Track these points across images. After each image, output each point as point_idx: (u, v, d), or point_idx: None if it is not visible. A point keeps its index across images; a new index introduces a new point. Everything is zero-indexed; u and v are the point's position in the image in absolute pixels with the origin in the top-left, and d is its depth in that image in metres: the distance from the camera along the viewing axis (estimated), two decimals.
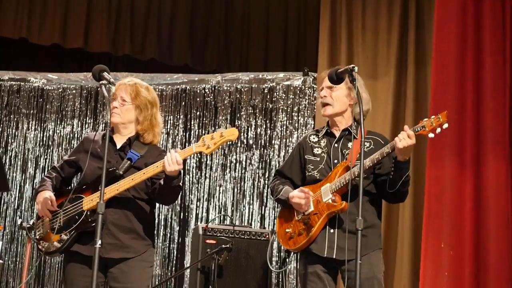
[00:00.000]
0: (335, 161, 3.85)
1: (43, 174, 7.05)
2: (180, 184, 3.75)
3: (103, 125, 7.04)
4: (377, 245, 3.79)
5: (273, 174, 4.25)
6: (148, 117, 3.89)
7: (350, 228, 3.66)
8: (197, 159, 7.05)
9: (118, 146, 3.86)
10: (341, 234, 3.70)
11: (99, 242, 3.22)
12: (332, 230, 3.73)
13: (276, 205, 6.81)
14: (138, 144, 3.87)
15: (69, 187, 4.03)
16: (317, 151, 3.93)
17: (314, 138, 4.00)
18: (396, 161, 3.62)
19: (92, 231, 3.42)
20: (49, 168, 4.16)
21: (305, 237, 3.76)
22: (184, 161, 3.76)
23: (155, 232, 6.80)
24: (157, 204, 4.08)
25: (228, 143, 6.89)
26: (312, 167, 3.90)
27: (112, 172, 3.70)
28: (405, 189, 3.75)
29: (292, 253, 3.97)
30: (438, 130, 3.54)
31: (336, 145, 3.89)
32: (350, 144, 3.83)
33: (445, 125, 3.53)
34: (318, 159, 3.90)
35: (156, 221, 6.81)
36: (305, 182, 3.93)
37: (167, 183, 3.65)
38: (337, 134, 3.93)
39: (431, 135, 3.56)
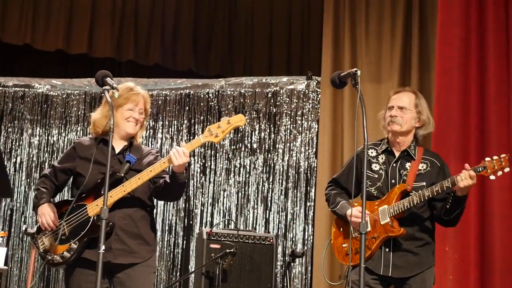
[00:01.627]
0: (393, 180, 3.93)
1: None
2: (186, 180, 3.72)
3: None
4: (430, 262, 3.93)
5: (328, 181, 4.30)
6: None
7: (406, 247, 3.84)
8: (201, 164, 7.05)
9: (117, 151, 3.85)
10: (397, 253, 3.84)
11: (103, 247, 3.22)
12: (387, 249, 3.86)
13: (280, 210, 6.82)
14: (134, 147, 3.88)
15: (60, 195, 3.98)
16: (375, 167, 4.01)
17: (372, 152, 4.06)
18: (455, 195, 3.75)
19: None
20: (40, 176, 4.05)
21: None
22: (189, 163, 3.72)
23: (160, 237, 6.82)
24: (160, 209, 4.07)
25: (233, 146, 6.99)
26: (370, 183, 3.97)
27: (113, 176, 3.68)
28: (459, 218, 3.90)
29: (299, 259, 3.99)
30: (500, 173, 3.66)
31: (394, 164, 3.97)
32: (407, 165, 3.94)
33: (507, 169, 3.65)
34: (376, 176, 3.98)
35: (161, 226, 6.84)
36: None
37: (175, 180, 3.62)
38: (397, 154, 4.00)
39: (492, 177, 3.69)
